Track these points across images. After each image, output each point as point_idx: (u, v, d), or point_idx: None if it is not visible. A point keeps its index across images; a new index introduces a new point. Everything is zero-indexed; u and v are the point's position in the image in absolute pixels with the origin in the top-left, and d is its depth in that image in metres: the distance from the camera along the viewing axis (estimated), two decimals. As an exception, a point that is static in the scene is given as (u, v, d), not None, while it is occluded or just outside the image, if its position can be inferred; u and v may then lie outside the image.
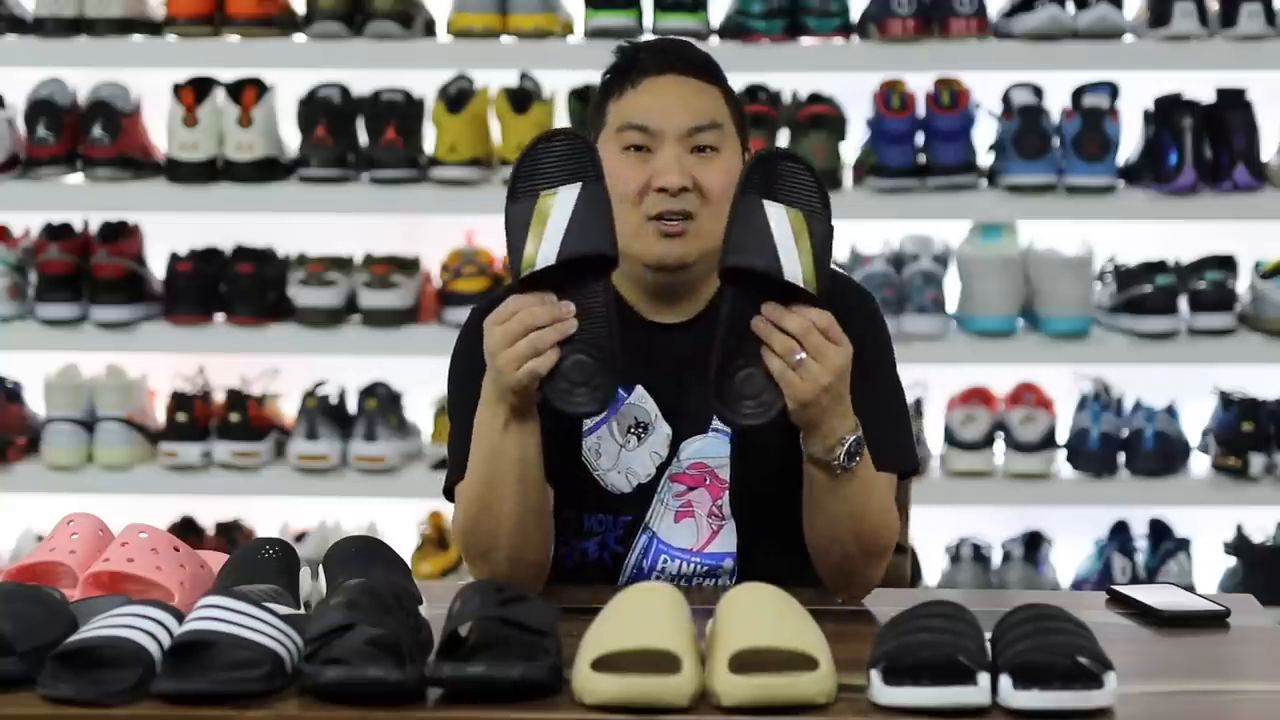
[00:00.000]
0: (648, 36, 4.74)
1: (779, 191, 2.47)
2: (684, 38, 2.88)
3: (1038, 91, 4.86)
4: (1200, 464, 4.86)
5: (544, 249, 2.45)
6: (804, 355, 2.45)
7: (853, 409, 2.54)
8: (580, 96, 4.84)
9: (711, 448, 2.74)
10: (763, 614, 2.24)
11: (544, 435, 2.59)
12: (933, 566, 4.92)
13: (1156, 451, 4.78)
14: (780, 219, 2.45)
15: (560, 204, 2.46)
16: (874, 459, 2.61)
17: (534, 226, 2.45)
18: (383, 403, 4.87)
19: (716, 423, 2.72)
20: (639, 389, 2.73)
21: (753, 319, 2.47)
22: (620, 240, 2.61)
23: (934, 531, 4.87)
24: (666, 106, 2.70)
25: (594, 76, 4.78)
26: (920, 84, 4.85)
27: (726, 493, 2.74)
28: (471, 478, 2.62)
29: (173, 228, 4.94)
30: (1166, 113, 4.79)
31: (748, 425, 2.51)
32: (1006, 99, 4.87)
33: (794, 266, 2.44)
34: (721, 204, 2.65)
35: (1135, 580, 4.72)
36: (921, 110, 4.82)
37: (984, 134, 4.86)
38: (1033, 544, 4.92)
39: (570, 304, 2.47)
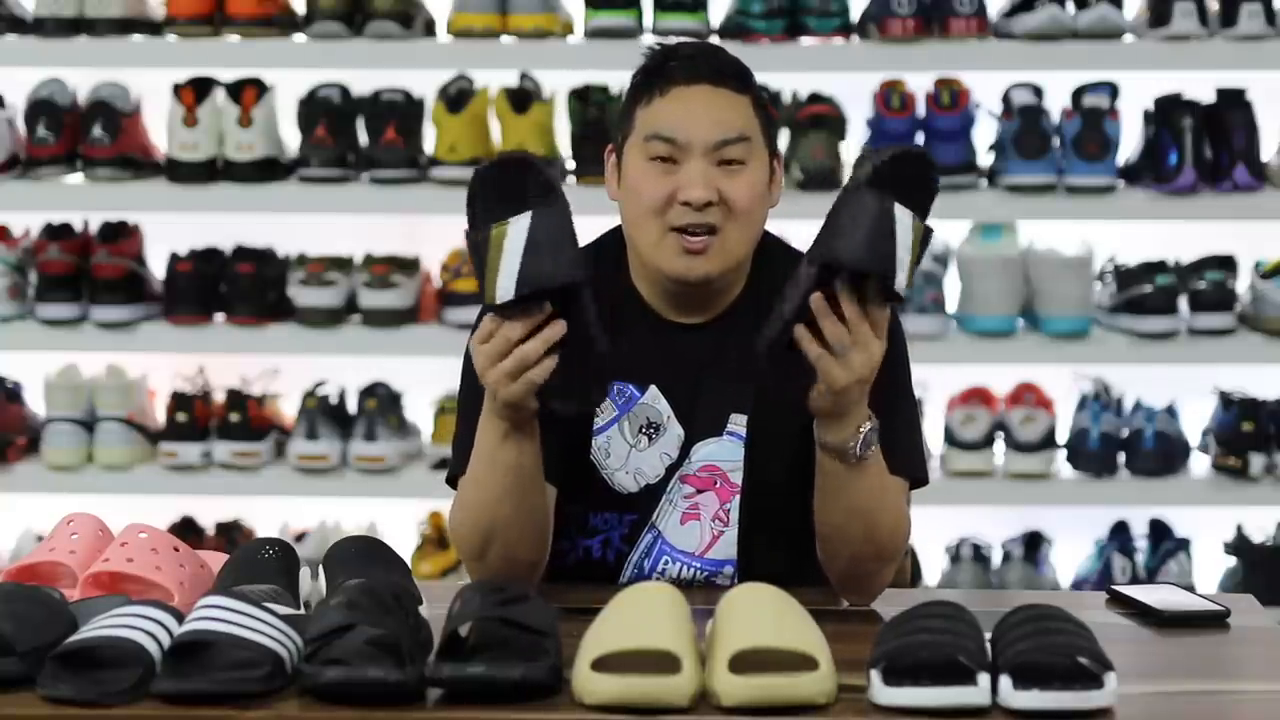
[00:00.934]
0: (648, 37, 4.74)
1: (911, 196, 2.42)
2: (713, 43, 2.84)
3: (1038, 91, 4.86)
4: (1200, 464, 4.86)
5: (502, 284, 2.42)
6: (850, 346, 2.43)
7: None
8: (580, 96, 4.83)
9: (725, 451, 2.73)
10: (763, 614, 2.24)
11: (554, 432, 2.59)
12: (933, 566, 4.91)
13: (1156, 451, 4.78)
14: (906, 227, 2.40)
15: (512, 236, 2.41)
16: (887, 465, 2.60)
17: (490, 260, 2.43)
18: (383, 403, 4.87)
19: (731, 426, 2.72)
20: (653, 389, 2.73)
21: (812, 295, 2.41)
22: (642, 250, 2.64)
23: (934, 531, 4.86)
24: (694, 119, 2.66)
25: (594, 76, 4.86)
26: (920, 84, 4.84)
27: (737, 497, 2.73)
28: (470, 483, 2.62)
29: (173, 228, 4.94)
30: (1166, 113, 4.79)
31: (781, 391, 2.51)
32: (1006, 99, 4.87)
33: (903, 277, 2.41)
34: (747, 218, 2.65)
35: (1135, 580, 4.72)
36: (921, 110, 4.82)
37: (984, 134, 4.85)
38: (1033, 544, 4.91)
39: (547, 306, 2.43)
